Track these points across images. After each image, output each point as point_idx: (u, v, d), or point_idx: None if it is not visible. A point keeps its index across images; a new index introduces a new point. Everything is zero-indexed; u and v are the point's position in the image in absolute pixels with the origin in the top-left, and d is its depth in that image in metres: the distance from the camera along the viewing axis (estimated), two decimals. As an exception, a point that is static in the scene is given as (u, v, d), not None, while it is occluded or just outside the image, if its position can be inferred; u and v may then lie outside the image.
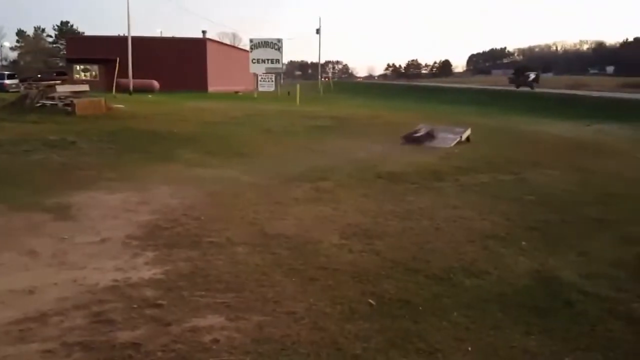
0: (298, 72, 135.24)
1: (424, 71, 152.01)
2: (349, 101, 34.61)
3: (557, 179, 8.27)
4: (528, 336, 3.25)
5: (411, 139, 12.43)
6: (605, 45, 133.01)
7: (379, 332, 3.25)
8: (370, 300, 3.69)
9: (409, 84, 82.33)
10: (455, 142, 12.18)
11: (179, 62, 41.83)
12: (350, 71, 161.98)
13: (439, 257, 4.64)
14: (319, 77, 61.80)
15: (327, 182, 7.76)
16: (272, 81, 41.04)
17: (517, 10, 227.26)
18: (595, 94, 37.98)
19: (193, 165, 8.82)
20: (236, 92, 41.26)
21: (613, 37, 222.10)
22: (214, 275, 4.11)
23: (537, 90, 44.00)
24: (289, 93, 34.87)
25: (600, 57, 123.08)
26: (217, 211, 6.00)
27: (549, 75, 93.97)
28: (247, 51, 43.05)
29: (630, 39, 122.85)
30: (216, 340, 3.10)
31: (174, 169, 8.45)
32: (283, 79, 58.23)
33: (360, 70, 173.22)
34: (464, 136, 12.62)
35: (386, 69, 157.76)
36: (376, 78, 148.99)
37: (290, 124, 16.01)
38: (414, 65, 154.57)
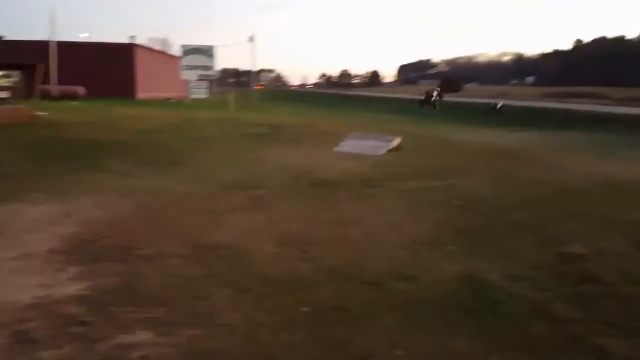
0: (232, 80, 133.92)
1: (355, 81, 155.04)
2: (283, 109, 34.67)
3: (482, 185, 8.65)
4: (457, 337, 3.37)
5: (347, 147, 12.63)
6: (524, 56, 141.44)
7: (314, 340, 3.26)
8: (306, 308, 3.70)
9: (341, 93, 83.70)
10: (387, 150, 12.48)
11: (106, 68, 40.20)
12: (284, 80, 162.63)
13: (372, 263, 4.72)
14: (253, 84, 61.49)
15: (261, 191, 7.72)
16: (205, 88, 40.46)
17: (441, 22, 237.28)
18: (516, 103, 40.19)
19: (122, 175, 8.50)
20: (168, 99, 40.25)
21: (532, 48, 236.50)
22: (143, 289, 3.97)
23: (463, 99, 46.08)
24: (222, 100, 34.43)
25: (520, 68, 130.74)
26: (148, 223, 5.81)
27: (473, 85, 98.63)
28: (179, 57, 42.17)
29: (549, 50, 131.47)
30: (145, 357, 2.99)
31: (101, 179, 8.10)
32: (216, 86, 57.49)
33: (293, 78, 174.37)
34: (395, 144, 12.95)
35: (319, 78, 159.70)
36: (308, 87, 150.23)
37: (224, 132, 15.81)
38: (346, 75, 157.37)
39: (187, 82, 40.15)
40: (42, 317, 3.44)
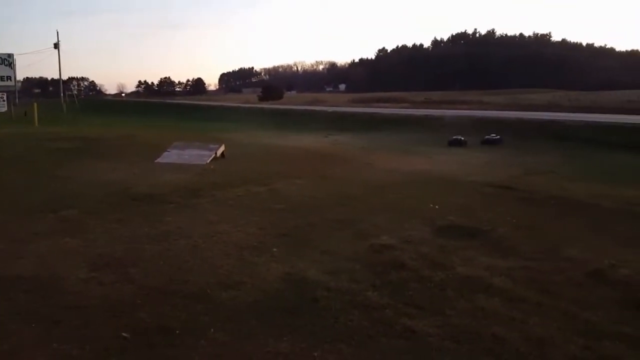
0: (37, 90, 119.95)
1: (178, 89, 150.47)
2: (99, 120, 32.20)
3: (303, 187, 9.08)
4: (281, 338, 3.49)
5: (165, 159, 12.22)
6: (337, 65, 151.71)
7: (135, 365, 3.11)
8: (124, 334, 3.50)
9: (163, 101, 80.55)
10: (211, 158, 12.38)
11: None
12: (98, 88, 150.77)
13: (197, 275, 4.66)
14: (62, 94, 55.83)
15: (73, 211, 7.08)
16: (4, 101, 35.72)
17: (260, 31, 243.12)
18: (330, 109, 42.86)
19: None
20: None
21: (343, 57, 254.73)
22: None
23: (282, 106, 47.72)
24: (25, 113, 30.66)
25: (334, 75, 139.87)
26: None
27: (293, 92, 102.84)
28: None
29: (357, 59, 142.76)
30: None
31: None
32: (18, 97, 51.12)
33: (109, 87, 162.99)
34: (219, 152, 12.91)
35: (138, 86, 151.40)
36: (124, 95, 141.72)
37: (26, 149, 14.15)
38: (167, 83, 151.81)
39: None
40: None
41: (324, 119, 32.80)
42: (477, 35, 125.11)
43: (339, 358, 3.29)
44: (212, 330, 3.59)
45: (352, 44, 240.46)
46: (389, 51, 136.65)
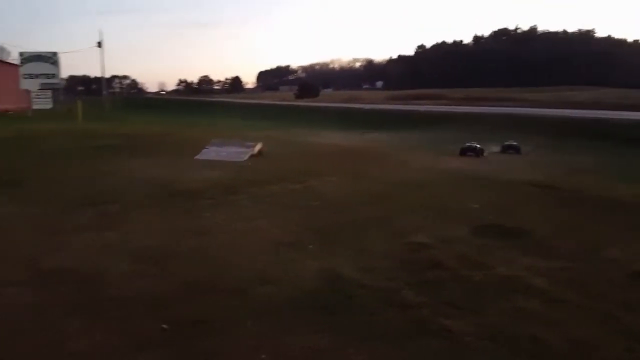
0: (80, 88, 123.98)
1: (216, 87, 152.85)
2: (140, 118, 33.00)
3: (338, 185, 9.08)
4: (316, 334, 3.50)
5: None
6: (374, 62, 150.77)
7: (172, 357, 3.18)
8: (164, 326, 3.58)
9: (201, 99, 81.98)
10: (248, 155, 12.51)
11: None
12: (140, 86, 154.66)
13: (234, 270, 4.72)
14: (104, 92, 57.54)
15: (115, 205, 7.27)
16: (49, 98, 37.01)
17: (296, 29, 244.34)
18: (367, 106, 42.71)
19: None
20: (6, 112, 36.10)
21: (380, 54, 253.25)
22: (-23, 325, 3.55)
23: (318, 104, 47.91)
24: (69, 110, 31.71)
25: (371, 73, 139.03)
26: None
27: (329, 90, 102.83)
28: (18, 66, 38.05)
29: (395, 56, 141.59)
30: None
31: None
32: (63, 95, 52.87)
33: (150, 85, 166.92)
34: (256, 149, 13.03)
35: (178, 84, 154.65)
36: (164, 93, 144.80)
37: (71, 145, 14.62)
38: (206, 81, 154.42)
39: (28, 92, 36.36)
40: None
41: (360, 117, 32.73)
42: (519, 31, 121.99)
43: (374, 356, 3.27)
44: (248, 324, 3.63)
45: (389, 41, 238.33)
46: (427, 47, 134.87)
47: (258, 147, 13.22)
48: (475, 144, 15.43)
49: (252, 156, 12.55)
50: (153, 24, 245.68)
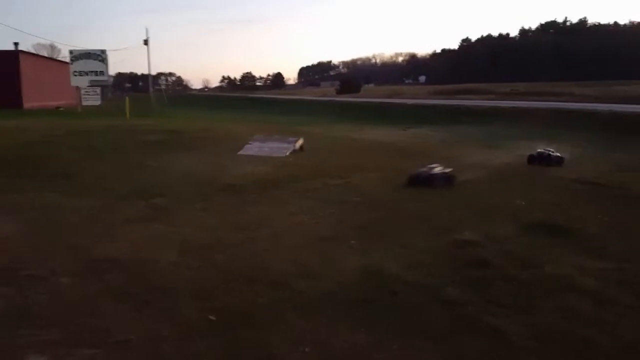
0: (128, 85, 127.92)
1: (258, 83, 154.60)
2: (184, 114, 33.75)
3: (379, 181, 9.02)
4: (358, 329, 3.50)
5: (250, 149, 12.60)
6: (417, 57, 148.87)
7: (219, 347, 3.24)
8: (211, 316, 3.66)
9: (244, 96, 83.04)
10: (290, 151, 12.61)
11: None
12: (184, 83, 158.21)
13: (277, 264, 4.77)
14: (151, 89, 59.09)
15: (162, 199, 7.48)
16: (98, 94, 38.28)
17: (338, 24, 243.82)
18: (409, 101, 42.20)
19: (7, 192, 7.82)
20: (57, 108, 37.61)
21: (423, 49, 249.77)
22: (34, 310, 3.72)
23: (360, 99, 47.66)
24: (117, 107, 32.77)
25: (413, 67, 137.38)
26: (36, 241, 5.42)
27: (371, 85, 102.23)
28: (68, 63, 39.55)
29: (439, 50, 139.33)
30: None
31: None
32: (111, 92, 54.62)
33: (195, 82, 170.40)
34: (298, 145, 13.12)
35: (221, 81, 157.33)
36: (207, 90, 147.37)
37: (119, 140, 15.08)
38: (249, 78, 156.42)
39: (77, 88, 37.74)
40: None
41: (403, 112, 32.38)
42: (568, 23, 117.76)
43: (419, 352, 3.25)
44: (291, 317, 3.66)
45: (432, 35, 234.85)
46: (472, 41, 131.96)
47: (300, 142, 13.30)
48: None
49: (294, 152, 12.65)
50: (197, 21, 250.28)
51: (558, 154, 11.13)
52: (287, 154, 12.39)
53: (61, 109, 37.30)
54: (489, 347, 3.30)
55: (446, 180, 8.56)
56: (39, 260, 4.77)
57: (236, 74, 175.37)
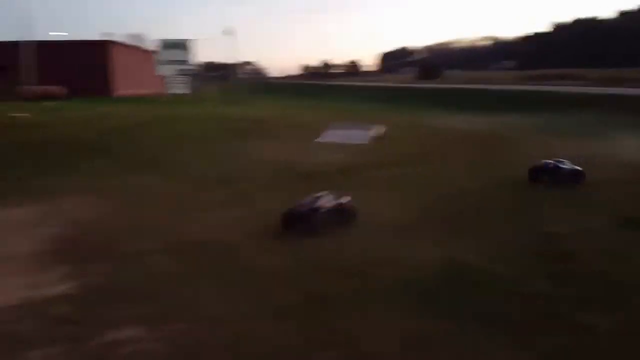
0: (211, 73, 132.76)
1: (337, 70, 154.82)
2: (265, 102, 34.52)
3: (462, 171, 8.77)
4: (438, 320, 3.45)
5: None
6: (503, 41, 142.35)
7: (302, 330, 3.32)
8: (291, 298, 3.75)
9: (323, 83, 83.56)
10: (369, 138, 12.55)
11: (82, 66, 39.57)
12: (264, 71, 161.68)
13: (355, 251, 4.78)
14: (233, 77, 60.98)
15: (246, 185, 7.73)
16: (184, 83, 39.99)
17: (418, 9, 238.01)
18: (495, 87, 40.52)
19: (102, 175, 8.41)
20: (146, 96, 39.79)
21: (510, 32, 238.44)
22: (129, 286, 4.00)
23: (441, 86, 46.36)
24: (201, 95, 34.14)
25: (499, 52, 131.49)
26: (131, 221, 5.80)
27: (453, 71, 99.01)
28: (155, 52, 41.65)
29: (526, 34, 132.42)
30: (134, 352, 3.03)
31: (81, 180, 8.02)
32: (196, 80, 56.88)
33: (274, 70, 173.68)
34: (377, 132, 13.04)
35: (300, 68, 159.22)
36: (287, 78, 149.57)
37: (203, 128, 15.72)
38: (327, 65, 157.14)
39: (164, 77, 39.67)
40: (29, 317, 3.46)
41: (487, 99, 31.15)
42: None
43: (504, 347, 3.14)
44: (369, 304, 3.68)
45: (520, 18, 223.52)
46: (564, 24, 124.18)
47: (379, 130, 13.21)
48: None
49: (373, 139, 12.57)
50: (275, 9, 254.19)
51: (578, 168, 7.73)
52: (367, 141, 12.34)
53: (148, 97, 39.37)
54: (578, 343, 3.14)
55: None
56: (132, 239, 5.11)
57: (314, 61, 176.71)
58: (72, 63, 39.36)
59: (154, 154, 10.67)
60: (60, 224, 5.59)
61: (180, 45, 39.87)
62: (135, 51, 53.32)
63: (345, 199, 5.73)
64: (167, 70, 39.10)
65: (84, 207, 6.38)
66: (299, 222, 5.32)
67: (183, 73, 39.91)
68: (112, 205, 6.48)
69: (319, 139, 12.73)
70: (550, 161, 7.75)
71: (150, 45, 44.57)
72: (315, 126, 14.54)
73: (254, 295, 3.84)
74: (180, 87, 39.18)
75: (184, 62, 39.72)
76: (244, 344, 3.16)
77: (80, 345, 3.11)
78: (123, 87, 42.01)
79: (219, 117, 18.89)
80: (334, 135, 12.94)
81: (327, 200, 5.58)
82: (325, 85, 74.26)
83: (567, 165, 7.67)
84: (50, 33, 38.85)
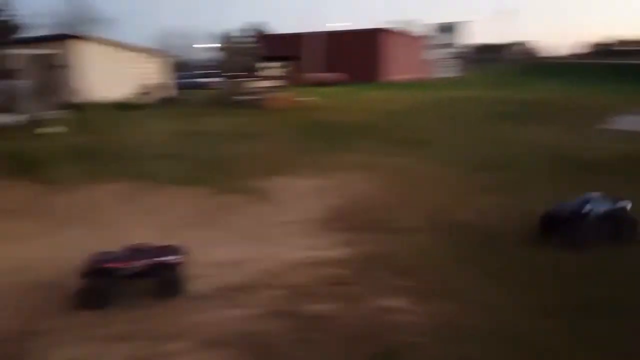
0: (481, 56, 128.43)
1: (635, 48, 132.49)
2: (539, 84, 31.86)
3: None
4: None
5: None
6: None
7: (568, 331, 3.08)
8: (558, 301, 3.47)
9: (612, 62, 72.56)
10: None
11: (358, 53, 42.79)
12: (537, 51, 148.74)
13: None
14: (503, 59, 57.75)
15: (509, 171, 7.35)
16: (453, 66, 39.81)
17: None
18: None
19: (374, 154, 8.96)
20: (412, 81, 40.89)
21: None
22: (398, 259, 4.31)
23: None
24: (471, 78, 33.30)
25: None
26: (400, 198, 6.15)
27: None
28: (422, 38, 42.35)
29: None
30: (401, 321, 3.25)
31: (356, 158, 8.68)
32: (464, 63, 56.09)
33: (552, 49, 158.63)
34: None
35: (582, 46, 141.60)
36: (565, 57, 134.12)
37: (472, 111, 15.36)
38: (620, 42, 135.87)
39: (433, 62, 40.09)
40: (310, 274, 3.96)
41: None
42: None
43: None
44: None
45: None
46: None
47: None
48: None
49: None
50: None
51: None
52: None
53: (412, 81, 40.29)
54: None
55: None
56: (402, 216, 5.43)
57: (599, 38, 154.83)
58: (352, 51, 42.90)
59: (423, 136, 10.87)
60: (340, 196, 6.22)
61: (451, 28, 39.79)
62: (402, 37, 55.17)
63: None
64: (437, 54, 39.48)
65: (360, 182, 6.96)
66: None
67: (451, 56, 39.78)
68: (386, 183, 6.92)
69: (605, 126, 11.17)
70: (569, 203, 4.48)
71: (419, 31, 45.44)
72: (598, 111, 12.84)
73: (519, 290, 3.65)
74: (449, 71, 39.16)
75: (452, 45, 39.57)
76: (501, 335, 3.03)
77: (354, 305, 3.45)
78: (391, 72, 43.96)
79: (488, 100, 18.18)
80: (626, 123, 11.19)
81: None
82: (617, 65, 64.35)
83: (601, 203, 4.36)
84: (328, 24, 42.57)
